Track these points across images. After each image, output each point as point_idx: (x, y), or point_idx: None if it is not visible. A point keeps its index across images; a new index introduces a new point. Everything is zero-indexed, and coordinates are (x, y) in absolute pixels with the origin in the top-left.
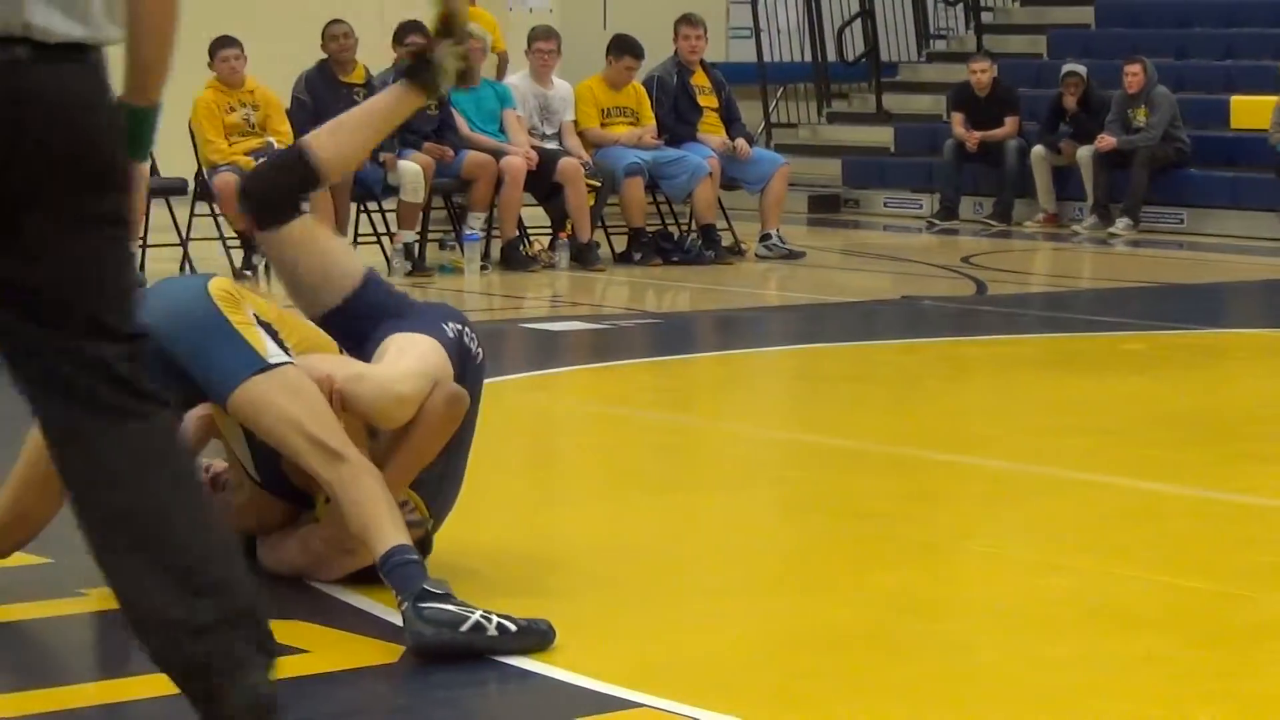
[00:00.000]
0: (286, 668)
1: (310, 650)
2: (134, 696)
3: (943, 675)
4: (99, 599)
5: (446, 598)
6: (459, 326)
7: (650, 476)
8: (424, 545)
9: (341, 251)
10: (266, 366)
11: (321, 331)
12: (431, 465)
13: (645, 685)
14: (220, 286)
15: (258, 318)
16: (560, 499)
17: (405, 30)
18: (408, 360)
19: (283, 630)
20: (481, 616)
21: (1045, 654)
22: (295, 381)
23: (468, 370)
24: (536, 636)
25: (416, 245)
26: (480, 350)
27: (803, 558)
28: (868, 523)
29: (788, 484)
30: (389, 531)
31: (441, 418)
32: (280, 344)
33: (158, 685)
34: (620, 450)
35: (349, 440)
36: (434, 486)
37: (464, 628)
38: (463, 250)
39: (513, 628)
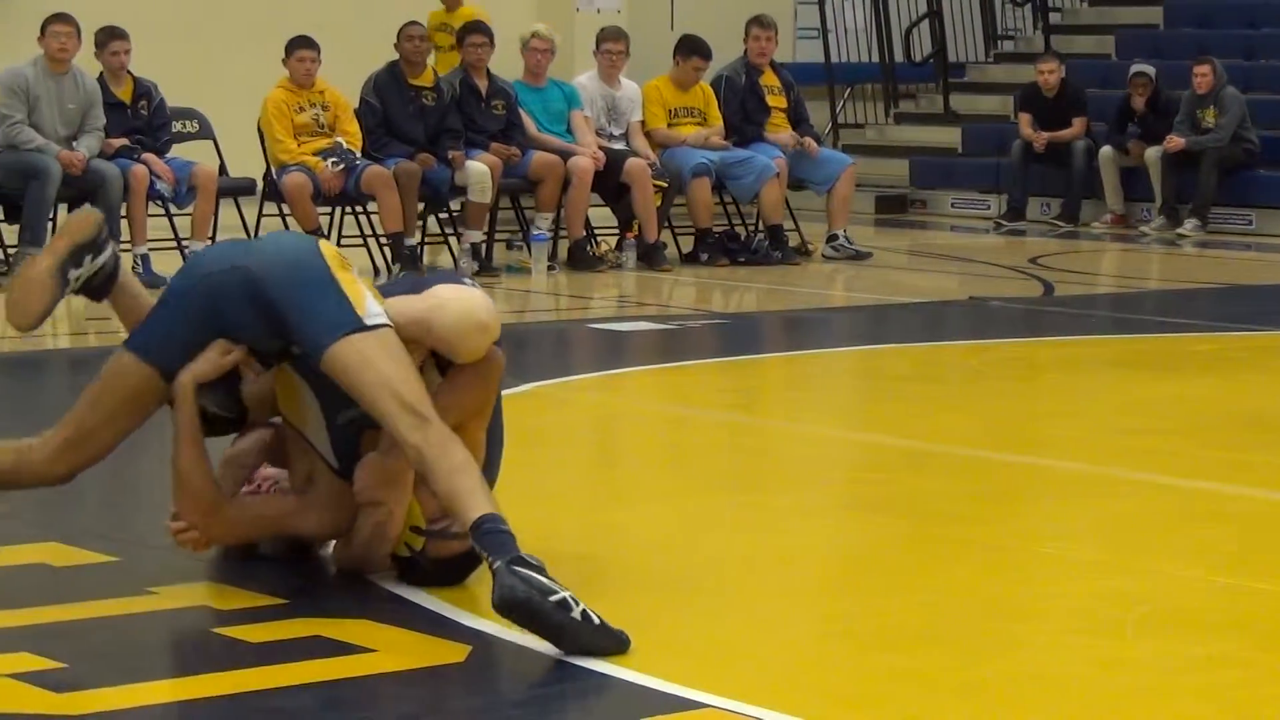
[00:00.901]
0: (356, 667)
1: (379, 650)
2: (204, 694)
3: (1010, 677)
4: (168, 597)
5: (541, 569)
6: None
7: (716, 477)
8: (477, 558)
9: None
10: (365, 326)
11: None
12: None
13: (712, 686)
14: (330, 246)
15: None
16: (627, 499)
17: (467, 31)
18: (476, 293)
19: (352, 630)
20: (570, 597)
21: (1113, 656)
22: (392, 344)
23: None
24: (614, 640)
25: (484, 245)
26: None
27: (869, 558)
28: (934, 524)
29: (854, 485)
30: (481, 500)
31: (495, 369)
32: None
33: (227, 683)
34: (686, 451)
35: (431, 406)
36: None
37: (553, 598)
38: (530, 250)
39: (595, 619)
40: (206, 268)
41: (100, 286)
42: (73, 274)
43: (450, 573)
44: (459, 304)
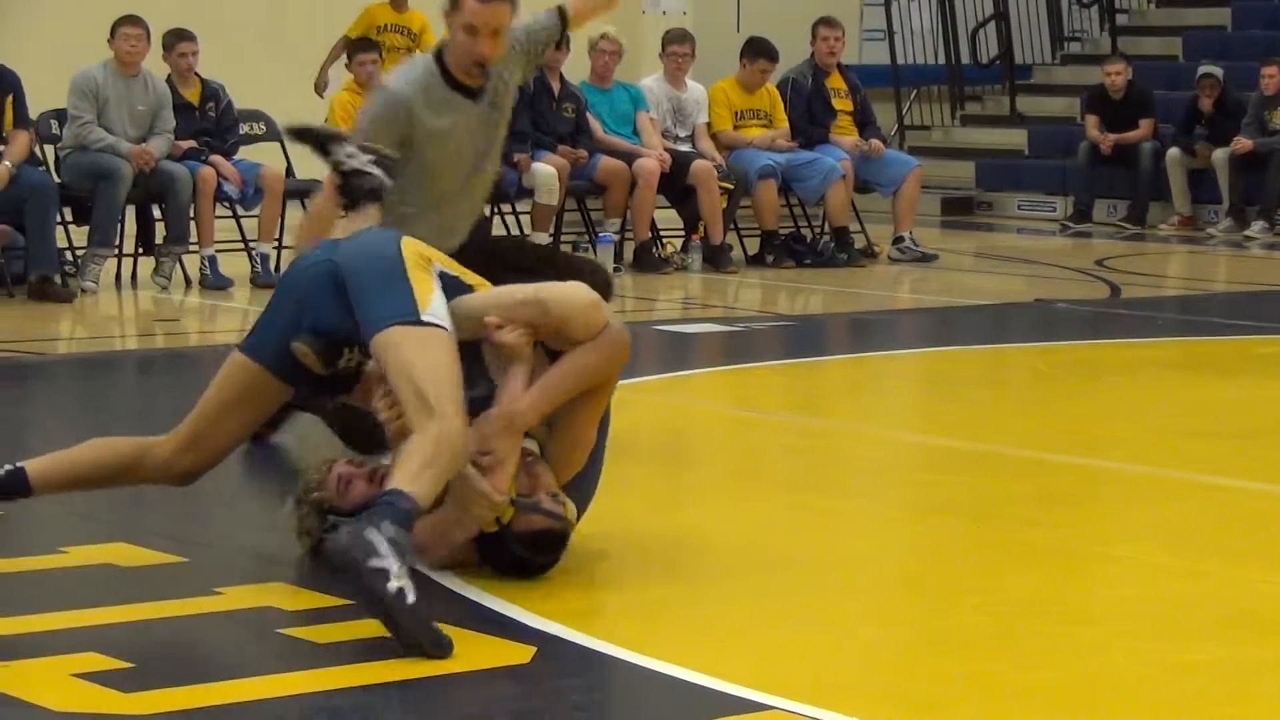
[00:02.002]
0: (421, 668)
1: None
2: (270, 695)
3: (1074, 680)
4: (234, 597)
5: (400, 545)
6: None
7: (782, 478)
8: (561, 538)
9: None
10: (416, 320)
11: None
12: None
13: (776, 687)
14: (414, 243)
15: (444, 274)
16: (691, 500)
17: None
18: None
19: None
20: (396, 571)
21: (1178, 659)
22: (433, 341)
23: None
24: (428, 632)
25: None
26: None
27: (933, 560)
28: (999, 526)
29: (919, 487)
30: (411, 480)
31: (619, 344)
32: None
33: (293, 684)
34: (752, 452)
35: (457, 406)
36: (575, 485)
37: (373, 563)
38: (596, 252)
39: (412, 598)
40: (301, 264)
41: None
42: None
43: (533, 549)
44: (573, 288)
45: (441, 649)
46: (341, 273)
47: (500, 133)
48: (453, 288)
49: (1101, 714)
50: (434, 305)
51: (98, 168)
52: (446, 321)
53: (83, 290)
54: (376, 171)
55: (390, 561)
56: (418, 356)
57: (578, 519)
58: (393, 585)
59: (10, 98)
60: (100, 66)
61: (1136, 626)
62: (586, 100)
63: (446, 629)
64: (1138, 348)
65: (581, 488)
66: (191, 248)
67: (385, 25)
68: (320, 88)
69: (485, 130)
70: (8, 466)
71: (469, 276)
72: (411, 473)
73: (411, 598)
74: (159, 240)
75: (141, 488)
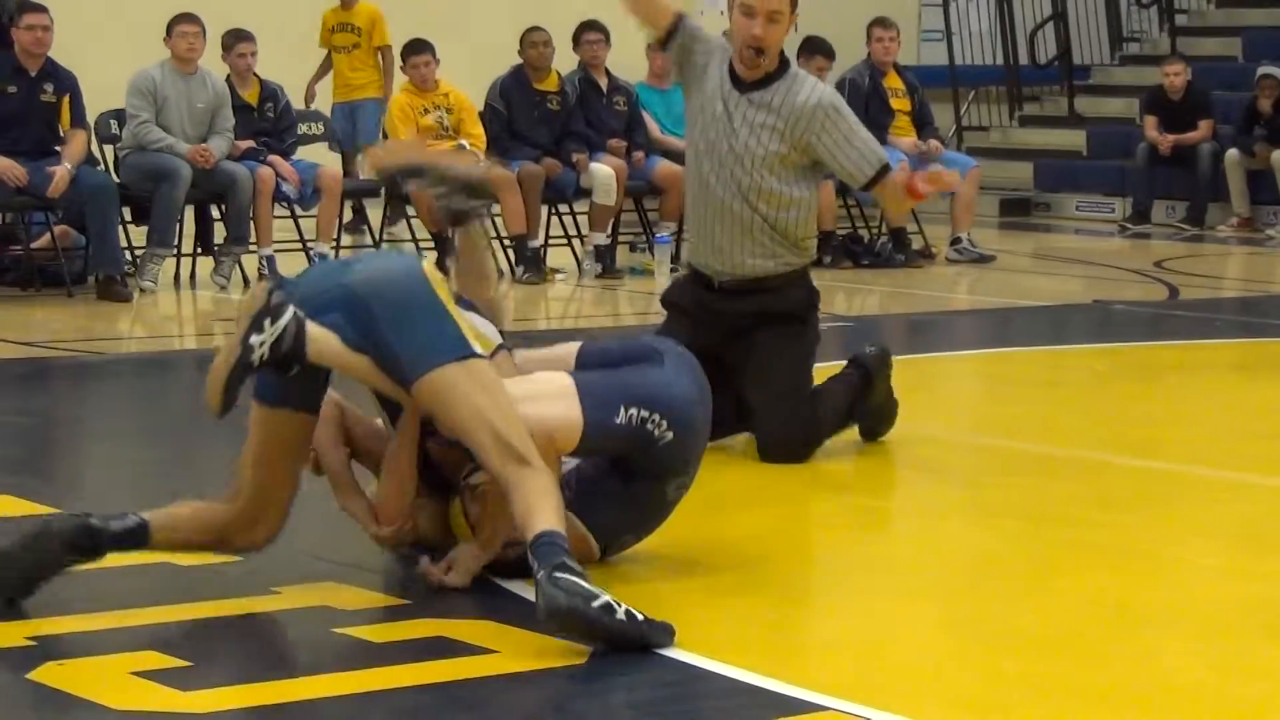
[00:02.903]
0: (477, 668)
1: (500, 651)
2: (327, 694)
3: (1132, 682)
4: (291, 597)
5: (583, 575)
6: (644, 414)
7: (838, 479)
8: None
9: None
10: (470, 354)
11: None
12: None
13: (834, 688)
14: (432, 268)
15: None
16: (746, 500)
17: (583, 29)
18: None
19: (473, 631)
20: (613, 600)
21: (1236, 662)
22: (490, 377)
23: (651, 451)
24: (660, 632)
25: (607, 247)
26: (669, 433)
27: (991, 562)
28: (1058, 528)
29: (977, 488)
30: (550, 517)
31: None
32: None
33: (349, 683)
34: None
35: (534, 447)
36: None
37: (595, 604)
38: (653, 252)
39: (639, 617)
40: (299, 288)
41: (289, 352)
42: (254, 340)
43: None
44: (545, 405)
45: (670, 638)
46: (362, 300)
47: (766, 188)
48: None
49: (1160, 716)
50: (478, 329)
51: (156, 168)
52: (482, 349)
53: (141, 290)
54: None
55: (600, 592)
56: (488, 400)
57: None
58: (620, 613)
59: (68, 98)
60: (158, 66)
61: (1196, 628)
62: (643, 99)
63: (504, 629)
64: (1196, 349)
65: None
66: (250, 248)
67: (334, 27)
68: (308, 100)
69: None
70: (133, 518)
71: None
72: (543, 511)
73: (635, 613)
74: (219, 241)
75: (200, 488)
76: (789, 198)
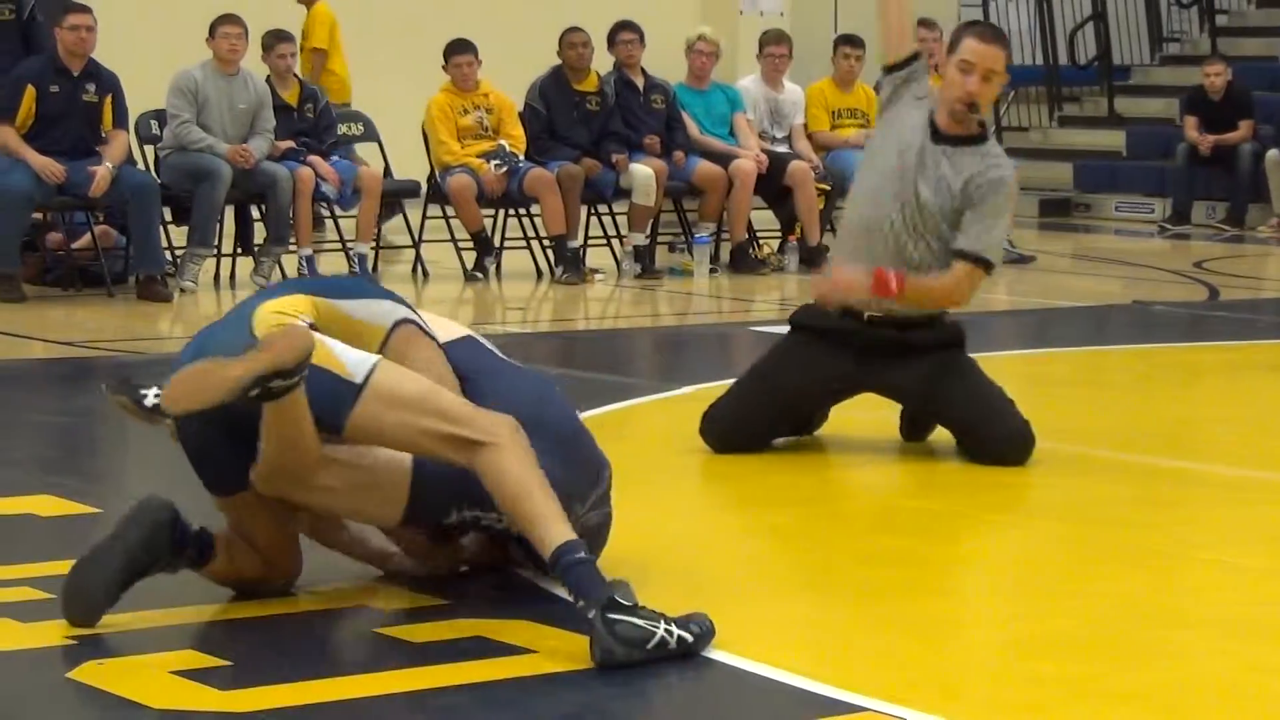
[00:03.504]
0: (516, 668)
1: (539, 651)
2: (366, 694)
3: (1171, 684)
4: (331, 596)
5: (634, 610)
6: (476, 514)
7: (875, 480)
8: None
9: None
10: (358, 386)
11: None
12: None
13: (869, 689)
14: (265, 315)
15: (313, 324)
16: (786, 501)
17: (617, 29)
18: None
19: (513, 631)
20: (665, 631)
21: (1276, 663)
22: (391, 388)
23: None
24: (708, 638)
25: (646, 248)
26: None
27: (1029, 563)
28: (1095, 529)
29: (1015, 489)
30: (556, 526)
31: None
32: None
33: (389, 683)
34: (846, 453)
35: (475, 418)
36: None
37: (650, 645)
38: (692, 253)
39: (690, 638)
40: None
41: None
42: (253, 392)
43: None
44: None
45: (713, 634)
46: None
47: (937, 237)
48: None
49: (1199, 718)
50: (348, 359)
51: (197, 168)
52: (369, 357)
53: (181, 290)
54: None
55: (652, 626)
56: (406, 415)
57: None
58: (673, 643)
59: (110, 98)
60: (200, 66)
61: (1236, 630)
62: (682, 100)
63: (543, 629)
64: (1236, 350)
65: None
66: (289, 248)
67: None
68: None
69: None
70: (199, 529)
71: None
72: (547, 515)
73: (686, 635)
74: (259, 241)
75: None
76: (947, 252)
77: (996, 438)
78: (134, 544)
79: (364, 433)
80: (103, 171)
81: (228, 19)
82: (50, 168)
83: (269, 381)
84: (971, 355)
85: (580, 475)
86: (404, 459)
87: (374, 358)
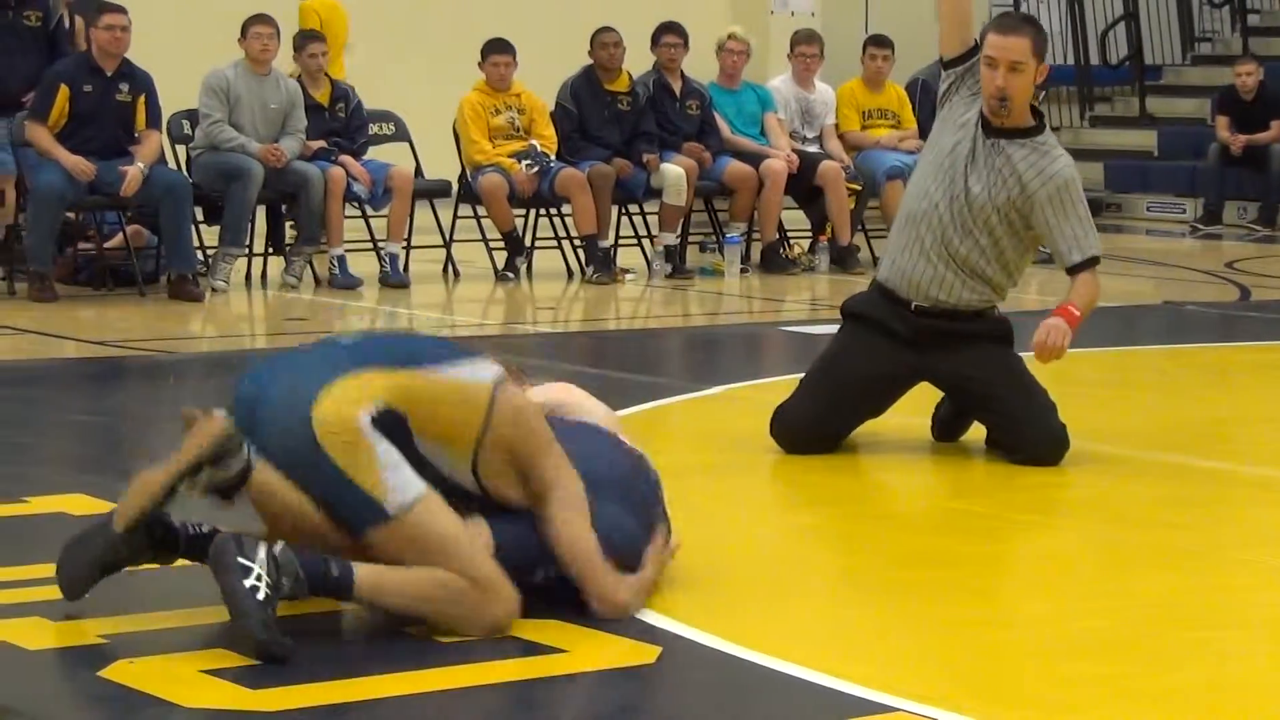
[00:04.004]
0: (547, 668)
1: (570, 651)
2: (396, 693)
3: (1207, 685)
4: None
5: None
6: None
7: (907, 479)
8: None
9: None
10: (385, 517)
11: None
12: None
13: (902, 689)
14: (329, 416)
15: (385, 414)
16: (817, 500)
17: (662, 31)
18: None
19: (543, 631)
20: (262, 582)
21: None
22: (412, 531)
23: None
24: (268, 633)
25: (677, 248)
26: None
27: (1062, 563)
28: (1129, 529)
29: (1048, 489)
30: (385, 576)
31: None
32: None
33: (419, 682)
34: (878, 453)
35: (479, 571)
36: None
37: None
38: (723, 253)
39: (263, 599)
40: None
41: (229, 490)
42: (183, 487)
43: None
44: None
45: (271, 650)
46: (275, 466)
47: (986, 231)
48: (395, 428)
49: (1234, 719)
50: (387, 485)
51: (229, 167)
52: (414, 487)
53: (213, 289)
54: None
55: (255, 569)
56: (420, 556)
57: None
58: (250, 581)
59: (143, 98)
60: (231, 66)
61: (1270, 630)
62: (713, 100)
63: (574, 629)
64: (1268, 350)
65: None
66: (321, 247)
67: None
68: None
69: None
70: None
71: (415, 404)
72: (410, 580)
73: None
74: (289, 240)
75: None
76: (999, 247)
77: (1035, 438)
78: (115, 537)
79: (381, 553)
80: (134, 171)
81: (259, 19)
82: (81, 166)
83: (196, 474)
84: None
85: (643, 519)
86: (483, 529)
87: (420, 491)
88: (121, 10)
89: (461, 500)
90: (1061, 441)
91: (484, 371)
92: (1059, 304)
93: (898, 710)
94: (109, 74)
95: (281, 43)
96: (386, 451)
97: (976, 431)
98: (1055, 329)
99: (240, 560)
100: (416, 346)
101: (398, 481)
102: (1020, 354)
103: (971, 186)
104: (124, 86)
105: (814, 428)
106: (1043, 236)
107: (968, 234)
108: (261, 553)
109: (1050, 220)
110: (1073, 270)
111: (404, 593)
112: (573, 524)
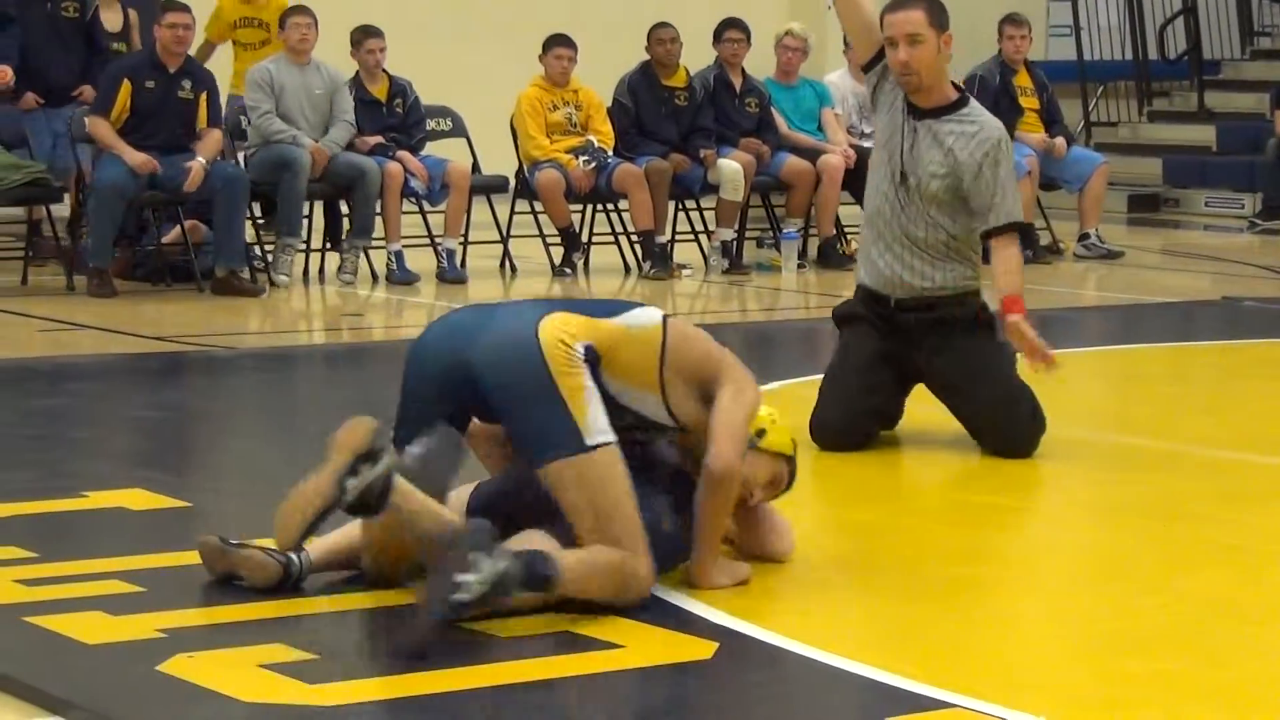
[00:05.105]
0: (603, 663)
1: (626, 646)
2: (453, 688)
3: (1259, 680)
4: (418, 590)
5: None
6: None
7: (960, 475)
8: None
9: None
10: (586, 447)
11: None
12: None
13: (956, 684)
14: (553, 336)
15: (588, 352)
16: (872, 496)
17: (725, 27)
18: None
19: (600, 626)
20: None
21: None
22: (605, 470)
23: None
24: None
25: (734, 243)
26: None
27: (1115, 559)
28: (1185, 525)
29: (1102, 485)
30: (577, 562)
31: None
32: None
33: (476, 677)
34: (930, 449)
35: (644, 544)
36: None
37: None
38: (780, 249)
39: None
40: (432, 347)
41: (377, 501)
42: (350, 484)
43: None
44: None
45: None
46: (480, 382)
47: (937, 209)
48: (594, 366)
49: None
50: (592, 419)
51: (279, 159)
52: (609, 431)
53: (274, 283)
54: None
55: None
56: (595, 497)
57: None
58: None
59: (205, 95)
60: (272, 60)
61: None
62: (771, 96)
63: (628, 624)
64: None
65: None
66: (379, 243)
67: (236, 21)
68: None
69: (909, 164)
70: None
71: (612, 350)
72: (584, 562)
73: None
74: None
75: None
76: (957, 223)
77: (993, 437)
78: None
79: (556, 482)
80: (197, 166)
81: (297, 10)
82: (144, 161)
83: (355, 474)
84: (1001, 342)
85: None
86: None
87: (613, 437)
88: (186, 9)
89: (655, 430)
90: (1023, 436)
91: (650, 314)
92: (1001, 296)
93: (952, 706)
94: (171, 71)
95: (319, 32)
96: (593, 389)
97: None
98: (1016, 331)
99: (467, 557)
100: (590, 304)
101: (599, 419)
102: (1002, 342)
103: (910, 172)
104: (186, 84)
105: (843, 429)
106: (970, 198)
107: (920, 218)
108: (489, 555)
109: (973, 185)
110: (990, 234)
111: (590, 580)
112: (731, 411)
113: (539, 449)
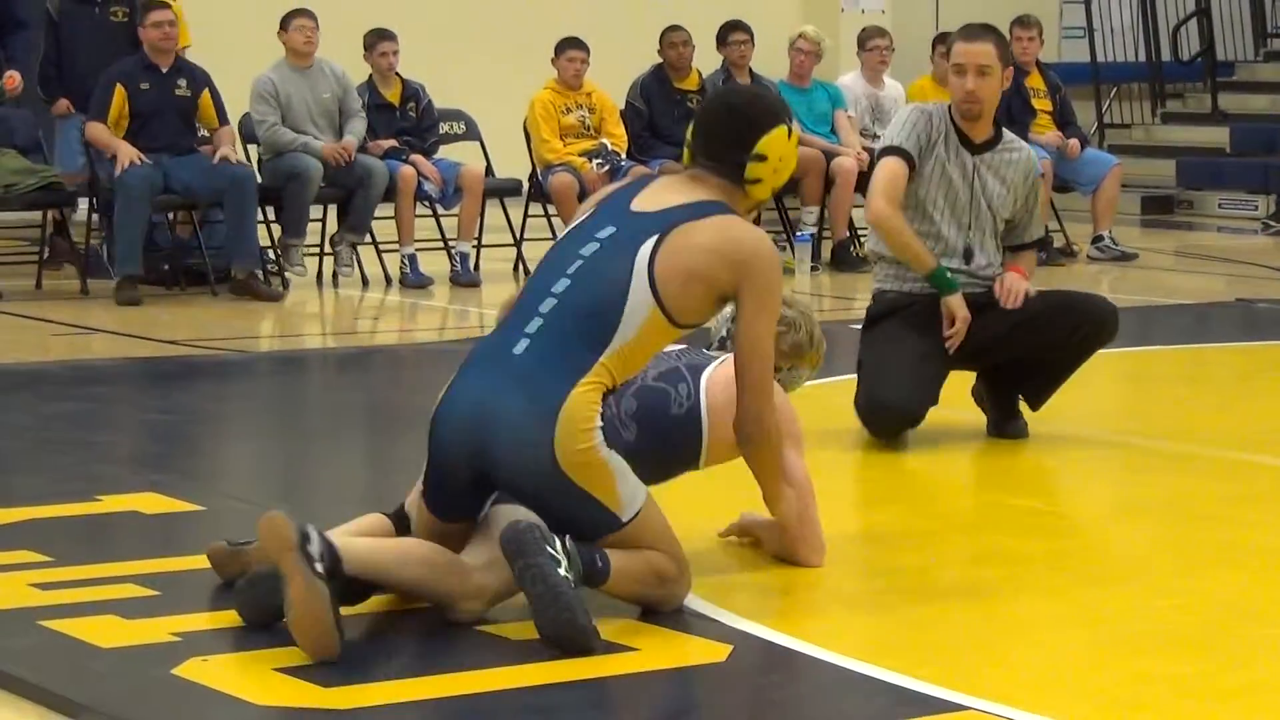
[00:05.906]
0: (617, 666)
1: (641, 649)
2: (468, 691)
3: (1277, 682)
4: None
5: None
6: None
7: (979, 478)
8: None
9: None
10: (622, 525)
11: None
12: None
13: (972, 687)
14: (572, 429)
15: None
16: (887, 499)
17: (729, 29)
18: None
19: (614, 628)
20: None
21: None
22: (643, 527)
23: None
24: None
25: None
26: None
27: (1131, 560)
28: (1200, 526)
29: (1117, 487)
30: (627, 562)
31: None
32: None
33: (490, 680)
34: (947, 451)
35: (677, 554)
36: None
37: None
38: (793, 251)
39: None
40: (453, 444)
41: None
42: (313, 550)
43: None
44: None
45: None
46: (504, 484)
47: (990, 215)
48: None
49: None
50: (622, 494)
51: (291, 168)
52: (640, 492)
53: (285, 280)
54: None
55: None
56: (641, 546)
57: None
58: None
59: (206, 92)
60: (273, 68)
61: None
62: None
63: (643, 627)
64: None
65: None
66: (392, 246)
67: None
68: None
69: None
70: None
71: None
72: (634, 566)
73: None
74: (346, 230)
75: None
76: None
77: (1088, 308)
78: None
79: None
80: (223, 150)
81: (300, 13)
82: (130, 152)
83: (312, 559)
84: None
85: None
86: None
87: (644, 493)
88: (165, 6)
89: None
90: (1113, 309)
91: (642, 297)
92: (1009, 265)
93: (969, 709)
94: (164, 70)
95: (322, 34)
96: (618, 464)
97: (1046, 428)
98: (1018, 282)
99: (549, 550)
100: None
101: (628, 491)
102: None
103: (982, 200)
104: (181, 82)
105: (903, 402)
106: (1015, 217)
107: (985, 244)
108: (560, 544)
109: (1019, 203)
110: (1023, 247)
111: (636, 582)
112: (748, 352)
113: (581, 537)
